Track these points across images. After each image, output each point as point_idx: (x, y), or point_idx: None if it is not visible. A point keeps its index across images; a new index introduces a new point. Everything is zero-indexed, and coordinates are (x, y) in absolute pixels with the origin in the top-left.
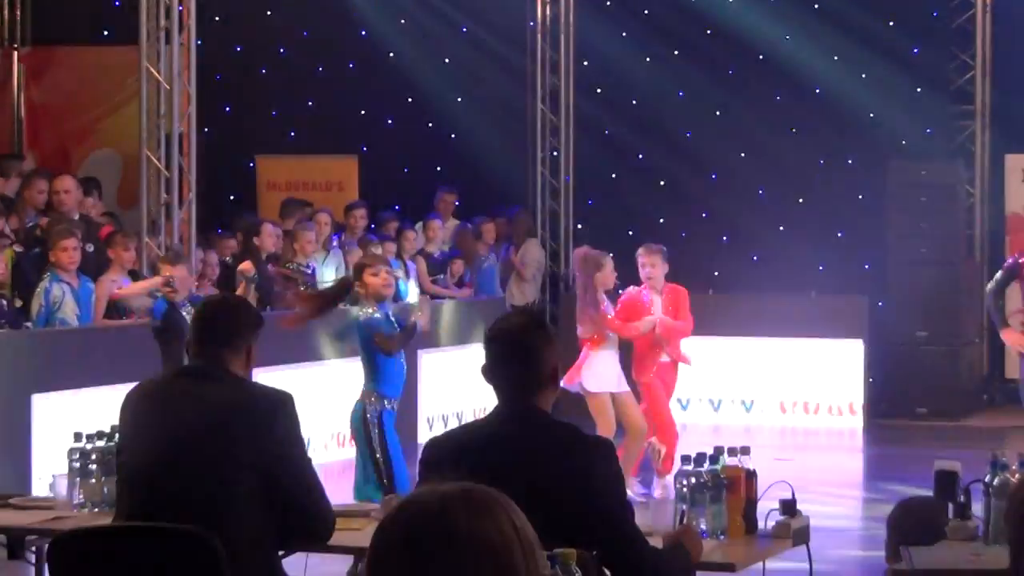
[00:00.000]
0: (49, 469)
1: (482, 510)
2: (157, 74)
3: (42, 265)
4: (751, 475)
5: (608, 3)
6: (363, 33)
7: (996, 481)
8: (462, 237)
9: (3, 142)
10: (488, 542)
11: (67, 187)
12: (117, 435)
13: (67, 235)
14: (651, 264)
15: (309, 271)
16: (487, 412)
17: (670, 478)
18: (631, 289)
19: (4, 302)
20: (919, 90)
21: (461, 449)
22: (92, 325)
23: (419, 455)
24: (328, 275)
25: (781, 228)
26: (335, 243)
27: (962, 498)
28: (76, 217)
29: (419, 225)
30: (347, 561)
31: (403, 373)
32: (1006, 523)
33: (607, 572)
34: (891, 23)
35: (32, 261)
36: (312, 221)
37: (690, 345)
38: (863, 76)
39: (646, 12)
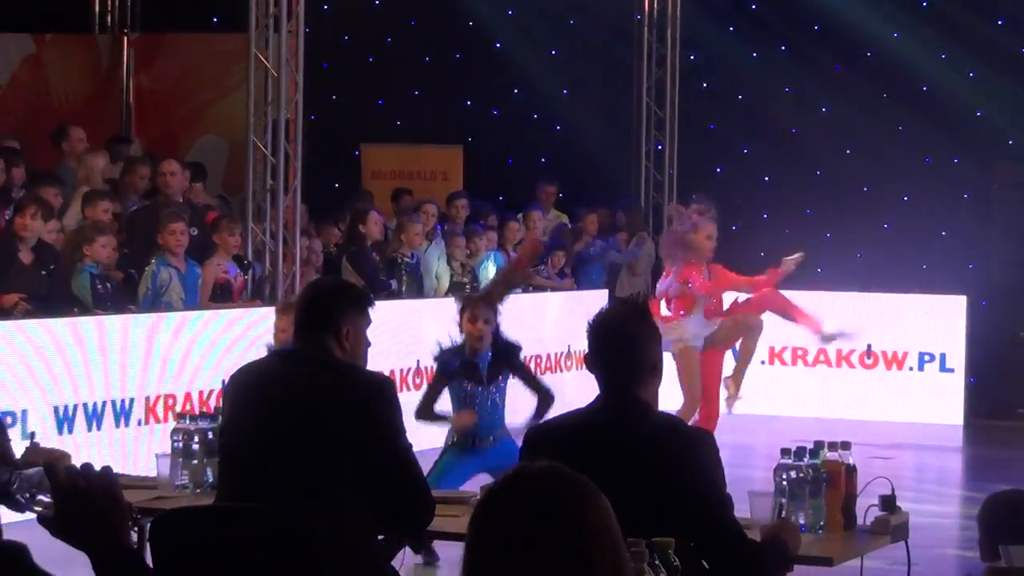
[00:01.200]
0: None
1: (585, 493)
2: (265, 61)
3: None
4: (851, 470)
5: None
6: (470, 23)
7: None
8: (559, 232)
9: (112, 127)
10: (593, 521)
11: (173, 170)
12: (220, 417)
13: (175, 218)
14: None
15: (413, 261)
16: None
17: None
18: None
19: (109, 285)
20: None
21: (562, 437)
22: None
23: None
24: (432, 262)
25: (886, 226)
26: (439, 232)
27: None
28: (180, 201)
29: (520, 216)
30: (448, 548)
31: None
32: None
33: (704, 564)
34: (999, 22)
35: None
36: (419, 213)
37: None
38: (970, 75)
39: (753, 7)
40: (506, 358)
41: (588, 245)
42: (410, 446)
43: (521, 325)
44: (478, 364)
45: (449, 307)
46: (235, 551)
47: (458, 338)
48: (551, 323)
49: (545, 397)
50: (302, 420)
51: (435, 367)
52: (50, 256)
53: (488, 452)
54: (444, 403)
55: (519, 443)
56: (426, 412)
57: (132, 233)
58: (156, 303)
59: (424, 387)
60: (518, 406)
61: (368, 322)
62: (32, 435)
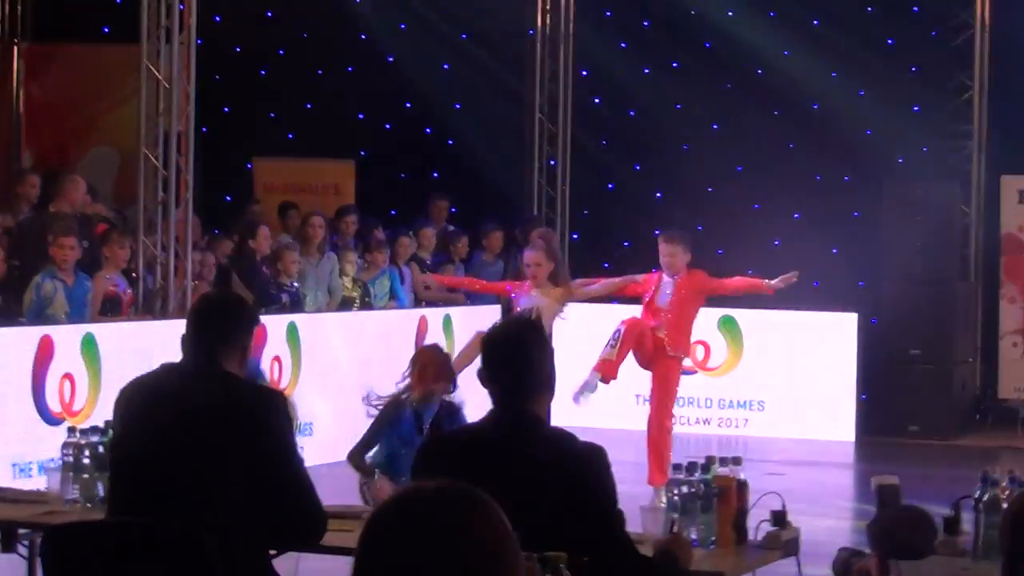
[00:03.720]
0: None
1: (477, 507)
2: (157, 72)
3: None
4: (742, 485)
5: (608, 14)
6: (363, 36)
7: (986, 497)
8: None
9: (2, 137)
10: (481, 536)
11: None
12: (111, 430)
13: (66, 232)
14: (670, 254)
15: (292, 289)
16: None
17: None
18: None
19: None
20: (916, 109)
21: (456, 451)
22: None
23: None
24: (323, 276)
25: (776, 243)
26: (328, 247)
27: (952, 513)
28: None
29: (410, 232)
30: (338, 562)
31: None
32: (1000, 536)
33: None
34: (890, 41)
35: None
36: (295, 240)
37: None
38: (861, 93)
39: (645, 24)
40: (448, 416)
41: (491, 263)
42: (302, 460)
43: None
44: (422, 417)
45: (343, 321)
46: (127, 565)
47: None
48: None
49: None
50: (193, 434)
51: (380, 414)
52: None
53: None
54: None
55: None
56: (359, 459)
57: (21, 244)
58: (41, 315)
59: (364, 431)
60: None
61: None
62: None
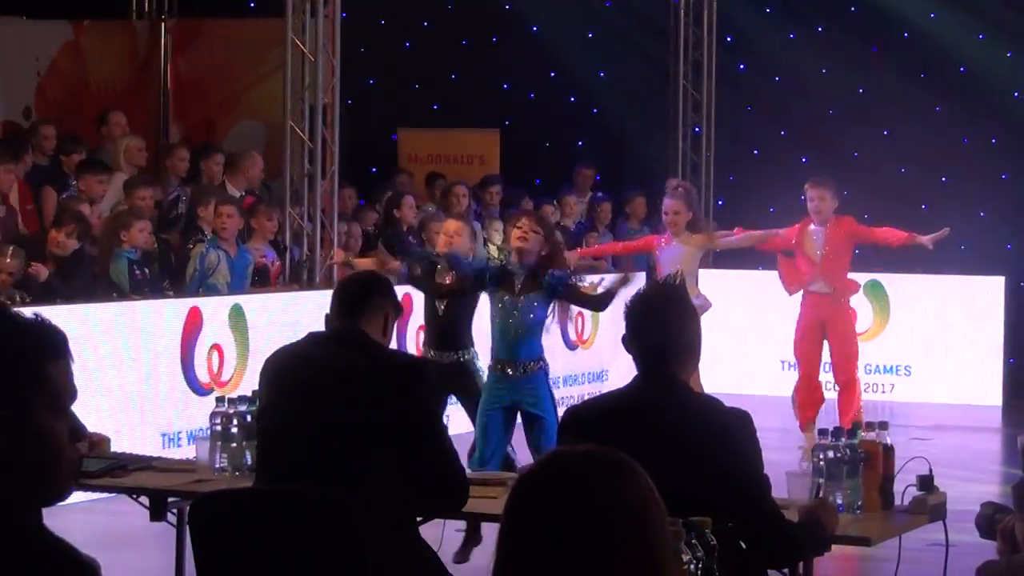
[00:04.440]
0: None
1: (623, 470)
2: (302, 46)
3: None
4: (888, 450)
5: None
6: (506, 7)
7: None
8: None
9: (150, 113)
10: (629, 500)
11: (218, 161)
12: (258, 400)
13: (226, 201)
14: (819, 197)
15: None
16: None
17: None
18: None
19: (147, 270)
20: None
21: (601, 418)
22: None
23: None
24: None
25: (924, 207)
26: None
27: None
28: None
29: (554, 201)
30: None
31: None
32: None
33: (742, 544)
34: None
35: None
36: (440, 210)
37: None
38: (1008, 55)
39: None
40: (547, 269)
41: (638, 231)
42: (445, 428)
43: None
44: (511, 272)
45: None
46: (274, 533)
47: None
48: None
49: (603, 297)
50: (339, 403)
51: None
52: (71, 268)
53: (519, 382)
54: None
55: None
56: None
57: (172, 219)
58: (203, 284)
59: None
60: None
61: (401, 310)
62: None
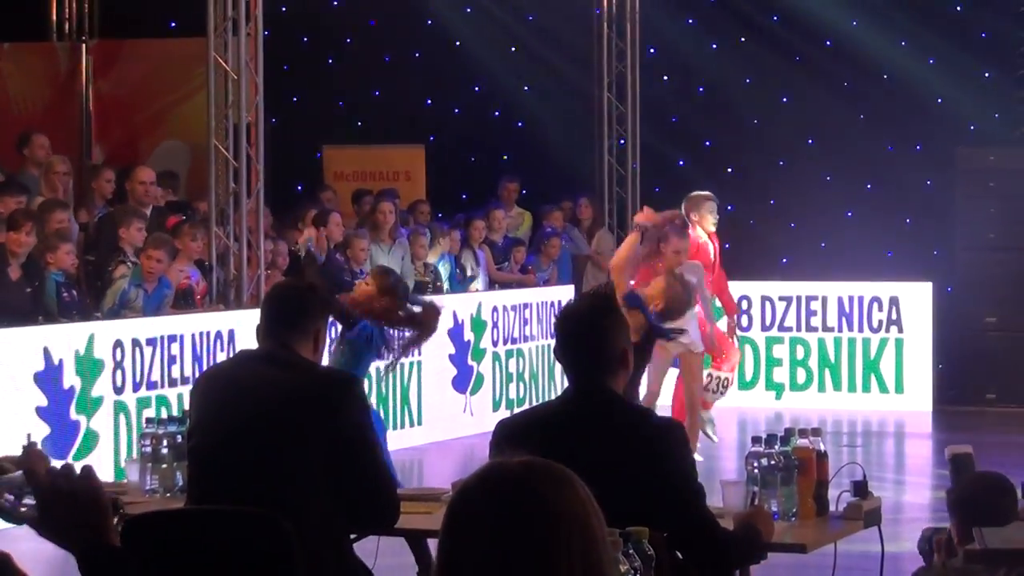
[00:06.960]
0: None
1: (563, 481)
2: (225, 64)
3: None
4: (822, 456)
5: None
6: (429, 22)
7: None
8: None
9: (72, 134)
10: (571, 511)
11: (146, 178)
12: (188, 420)
13: (157, 244)
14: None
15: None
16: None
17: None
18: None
19: (74, 292)
20: (987, 75)
21: (532, 429)
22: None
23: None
24: (394, 264)
25: (849, 214)
26: (403, 233)
27: None
28: (148, 209)
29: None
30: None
31: None
32: None
33: (678, 554)
34: (959, 7)
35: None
36: (364, 228)
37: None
38: (931, 61)
39: (711, 0)
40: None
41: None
42: (377, 443)
43: None
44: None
45: None
46: (207, 553)
47: None
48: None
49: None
50: (270, 421)
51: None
52: (37, 272)
53: None
54: None
55: None
56: None
57: (97, 239)
58: (117, 315)
59: None
60: None
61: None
62: (29, 436)
